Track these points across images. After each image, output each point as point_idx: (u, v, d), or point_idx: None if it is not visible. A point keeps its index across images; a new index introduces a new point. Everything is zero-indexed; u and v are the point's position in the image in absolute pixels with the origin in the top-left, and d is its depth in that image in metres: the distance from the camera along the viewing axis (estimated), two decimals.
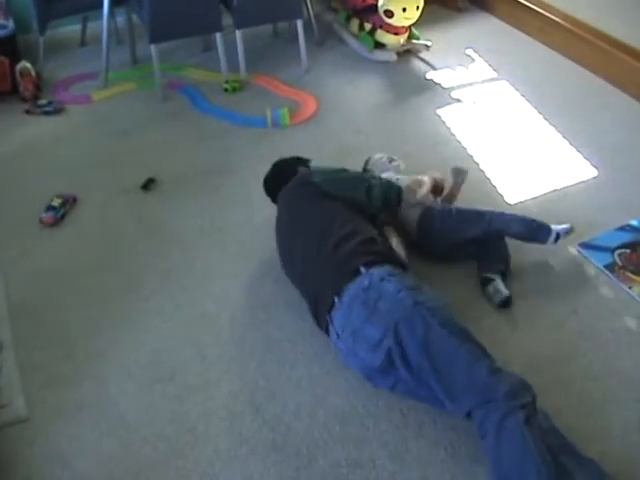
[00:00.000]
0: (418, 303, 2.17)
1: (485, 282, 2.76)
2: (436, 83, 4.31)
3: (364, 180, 2.73)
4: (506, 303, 2.69)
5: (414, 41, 4.61)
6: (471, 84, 4.29)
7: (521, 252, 2.94)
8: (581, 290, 2.81)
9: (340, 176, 2.76)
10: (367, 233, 2.49)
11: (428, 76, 4.41)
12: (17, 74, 4.05)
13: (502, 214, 2.86)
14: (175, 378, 2.44)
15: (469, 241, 2.86)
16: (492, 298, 2.72)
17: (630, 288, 2.77)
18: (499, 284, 2.72)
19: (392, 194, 2.71)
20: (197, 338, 2.57)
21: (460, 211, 2.89)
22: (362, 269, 2.31)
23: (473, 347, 2.11)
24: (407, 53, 4.63)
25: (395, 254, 2.58)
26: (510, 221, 2.84)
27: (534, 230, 2.83)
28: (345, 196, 2.62)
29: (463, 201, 3.20)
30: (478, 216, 2.84)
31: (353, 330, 2.25)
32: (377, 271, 2.30)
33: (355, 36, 4.73)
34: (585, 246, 2.99)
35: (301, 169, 2.87)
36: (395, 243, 2.70)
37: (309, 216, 2.63)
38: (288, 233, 2.67)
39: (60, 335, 2.62)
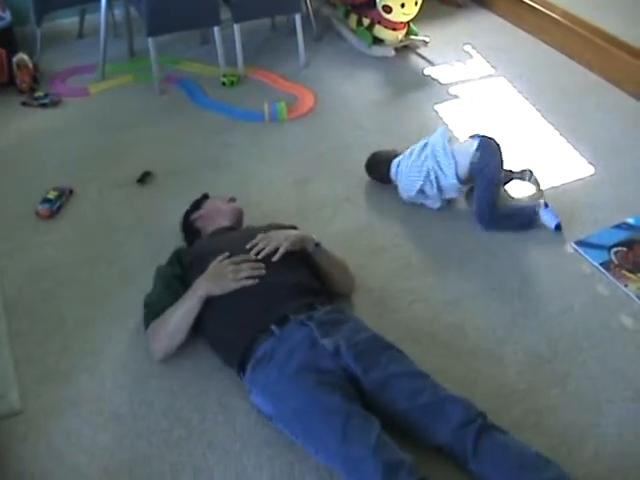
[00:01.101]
0: (272, 418, 2.18)
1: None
2: (434, 79, 4.31)
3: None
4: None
5: (412, 37, 4.60)
6: (469, 80, 4.29)
7: (517, 249, 2.95)
8: (577, 288, 2.80)
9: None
10: (219, 322, 2.41)
11: (426, 72, 4.40)
12: (14, 66, 4.04)
13: None
14: (170, 373, 2.43)
15: None
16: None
17: (626, 286, 2.77)
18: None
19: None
20: (191, 333, 2.55)
21: None
22: (241, 374, 2.31)
23: (330, 431, 1.99)
24: (405, 49, 4.62)
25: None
26: None
27: None
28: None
29: (459, 198, 3.20)
30: None
31: None
32: (246, 377, 2.27)
33: (353, 31, 4.72)
34: (581, 244, 2.99)
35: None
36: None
37: None
38: None
39: (56, 329, 2.61)
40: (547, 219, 3.04)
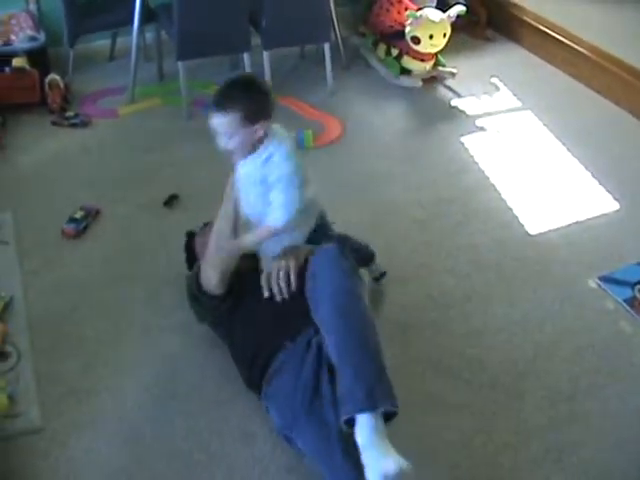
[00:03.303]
0: (291, 440, 2.16)
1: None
2: (461, 111, 4.32)
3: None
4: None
5: (440, 68, 4.63)
6: (495, 113, 4.30)
7: (540, 284, 2.95)
8: (600, 324, 2.79)
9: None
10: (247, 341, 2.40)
11: (453, 103, 4.42)
12: (46, 86, 4.09)
13: None
14: (192, 395, 2.44)
15: None
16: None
17: None
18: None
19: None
20: (215, 357, 2.56)
21: None
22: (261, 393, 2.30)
23: (336, 462, 1.98)
24: (432, 80, 4.64)
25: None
26: None
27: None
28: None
29: (483, 230, 3.20)
30: None
31: None
32: (262, 403, 2.28)
33: (381, 61, 4.74)
34: (605, 279, 2.97)
35: None
36: None
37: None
38: None
39: (79, 347, 2.63)
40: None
